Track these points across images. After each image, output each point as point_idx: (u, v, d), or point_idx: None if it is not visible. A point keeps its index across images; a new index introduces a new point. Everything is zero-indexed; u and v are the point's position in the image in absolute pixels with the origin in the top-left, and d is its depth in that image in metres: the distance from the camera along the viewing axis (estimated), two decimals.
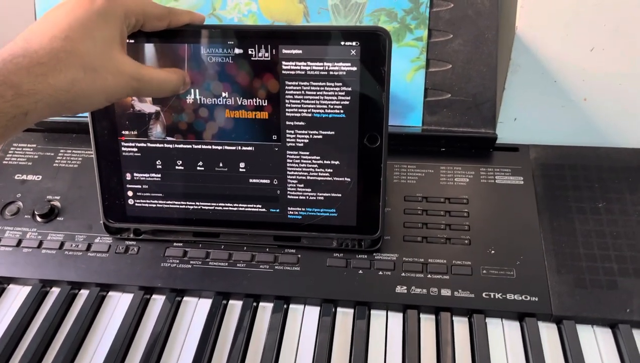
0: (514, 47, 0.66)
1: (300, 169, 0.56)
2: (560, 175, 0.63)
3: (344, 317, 0.56)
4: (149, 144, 0.57)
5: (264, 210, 0.58)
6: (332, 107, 0.54)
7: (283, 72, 0.53)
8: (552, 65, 0.66)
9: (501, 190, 0.62)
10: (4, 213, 0.64)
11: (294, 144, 0.56)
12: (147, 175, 0.58)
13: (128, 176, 0.59)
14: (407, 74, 0.65)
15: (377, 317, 0.56)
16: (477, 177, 0.63)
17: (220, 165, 0.57)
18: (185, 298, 0.59)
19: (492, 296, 0.55)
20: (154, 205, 0.59)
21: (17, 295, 0.60)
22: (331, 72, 0.53)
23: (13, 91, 0.37)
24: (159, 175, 0.58)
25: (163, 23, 0.49)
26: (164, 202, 0.59)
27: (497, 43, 0.63)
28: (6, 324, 0.56)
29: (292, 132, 0.55)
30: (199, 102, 0.55)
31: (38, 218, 0.63)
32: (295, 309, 0.57)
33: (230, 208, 0.59)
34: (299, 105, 0.54)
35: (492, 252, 0.58)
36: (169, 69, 0.51)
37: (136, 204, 0.60)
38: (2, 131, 0.38)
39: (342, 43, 0.51)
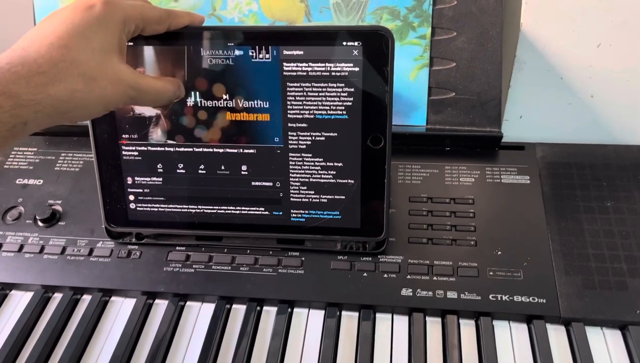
0: (519, 44, 0.65)
1: (303, 171, 0.56)
2: (567, 173, 0.62)
3: (349, 320, 0.56)
4: (149, 148, 0.57)
5: (267, 213, 0.58)
6: (334, 108, 0.53)
7: (284, 73, 0.52)
8: (558, 62, 0.65)
9: (507, 190, 0.61)
10: (5, 219, 0.64)
11: (296, 146, 0.55)
12: (148, 179, 0.58)
13: (129, 180, 0.58)
14: (410, 73, 0.64)
15: (383, 320, 0.56)
16: (483, 177, 0.62)
17: (222, 168, 0.56)
18: (188, 303, 0.58)
19: (499, 298, 0.54)
20: (156, 209, 0.59)
21: (20, 301, 0.60)
22: (333, 73, 0.52)
23: (12, 101, 0.37)
24: (161, 179, 0.58)
25: (163, 27, 0.48)
26: (166, 206, 0.59)
27: (502, 40, 0.62)
28: (9, 331, 0.56)
29: (295, 134, 0.54)
30: (199, 104, 0.54)
31: (40, 223, 0.63)
32: (299, 313, 0.57)
33: (232, 211, 0.58)
34: (301, 107, 0.53)
35: (499, 253, 0.57)
36: (166, 78, 0.50)
37: (138, 208, 0.59)
38: (1, 141, 0.37)
39: (344, 43, 0.51)
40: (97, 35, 0.41)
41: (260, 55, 0.52)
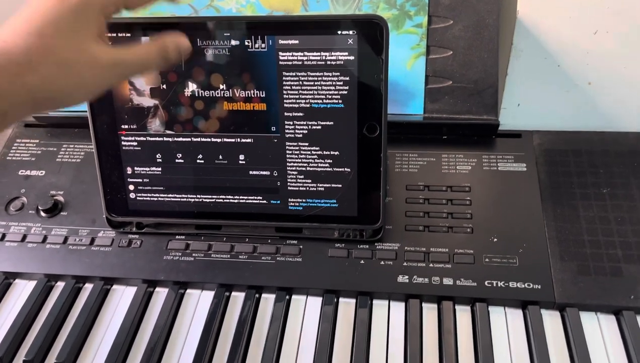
0: (516, 32, 0.65)
1: (300, 160, 0.56)
2: (564, 161, 0.62)
3: (346, 307, 0.57)
4: (148, 138, 0.57)
5: (264, 201, 0.58)
6: (330, 97, 0.53)
7: (280, 62, 0.53)
8: (555, 49, 0.65)
9: (504, 178, 0.62)
10: (8, 209, 0.65)
11: (293, 135, 0.55)
12: (147, 168, 0.58)
13: (129, 170, 0.59)
14: (407, 62, 0.64)
15: (379, 306, 0.56)
16: (480, 165, 0.63)
17: (220, 157, 0.57)
18: (188, 291, 0.59)
19: (494, 284, 0.55)
20: (156, 199, 0.60)
21: (23, 290, 0.61)
22: (329, 62, 0.52)
23: None
24: (160, 169, 0.58)
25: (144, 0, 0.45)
26: (166, 195, 0.59)
27: (499, 28, 0.62)
28: (12, 319, 0.57)
29: (291, 123, 0.55)
30: (196, 94, 0.55)
31: (42, 214, 0.64)
32: (297, 300, 0.58)
33: (231, 200, 0.59)
34: (297, 96, 0.54)
35: (495, 240, 0.57)
36: (147, 42, 0.47)
37: (138, 198, 0.60)
38: None
39: (339, 32, 0.51)
40: (73, 20, 0.40)
41: (257, 45, 0.52)
